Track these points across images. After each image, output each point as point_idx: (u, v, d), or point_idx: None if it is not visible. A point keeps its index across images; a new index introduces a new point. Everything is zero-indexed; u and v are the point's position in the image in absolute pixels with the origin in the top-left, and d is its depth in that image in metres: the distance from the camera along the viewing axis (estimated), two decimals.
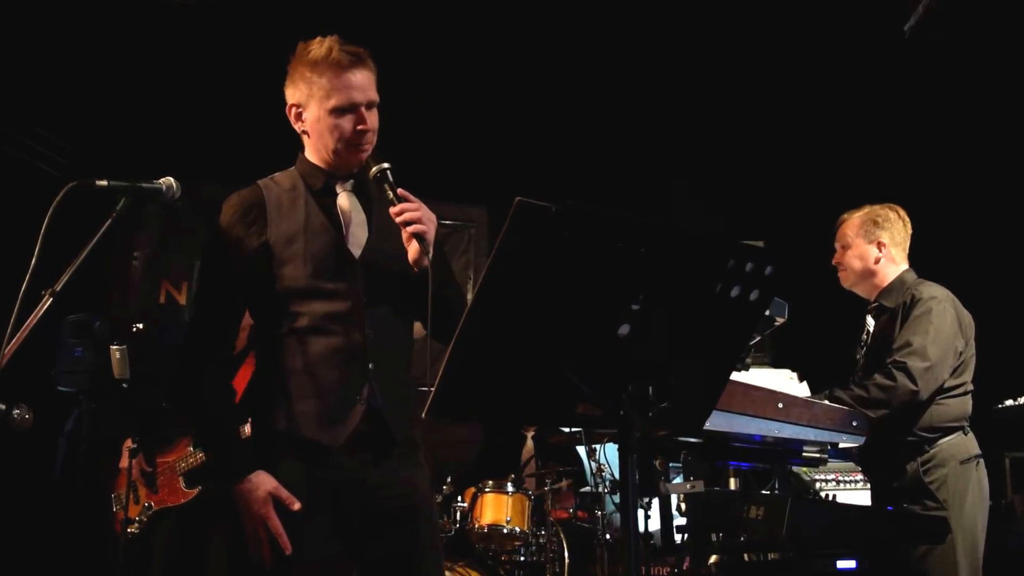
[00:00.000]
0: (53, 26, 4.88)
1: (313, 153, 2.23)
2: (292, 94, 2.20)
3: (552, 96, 5.74)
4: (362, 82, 2.15)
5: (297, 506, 2.10)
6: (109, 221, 2.03)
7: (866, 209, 3.40)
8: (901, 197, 3.50)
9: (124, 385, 3.75)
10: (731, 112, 5.85)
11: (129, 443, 3.99)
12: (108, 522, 4.18)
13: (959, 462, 3.09)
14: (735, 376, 2.53)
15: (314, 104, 2.16)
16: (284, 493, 2.11)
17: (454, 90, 5.61)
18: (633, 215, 1.60)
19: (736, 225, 5.66)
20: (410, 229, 2.08)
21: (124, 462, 4.06)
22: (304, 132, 2.22)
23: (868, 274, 3.35)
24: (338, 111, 2.14)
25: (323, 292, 2.14)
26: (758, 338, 3.24)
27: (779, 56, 5.43)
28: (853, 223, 3.38)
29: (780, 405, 2.59)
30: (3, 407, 2.12)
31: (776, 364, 3.80)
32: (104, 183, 2.02)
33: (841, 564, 2.90)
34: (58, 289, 2.03)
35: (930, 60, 4.81)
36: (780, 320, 2.98)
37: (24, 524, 4.91)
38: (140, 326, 3.83)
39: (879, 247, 3.33)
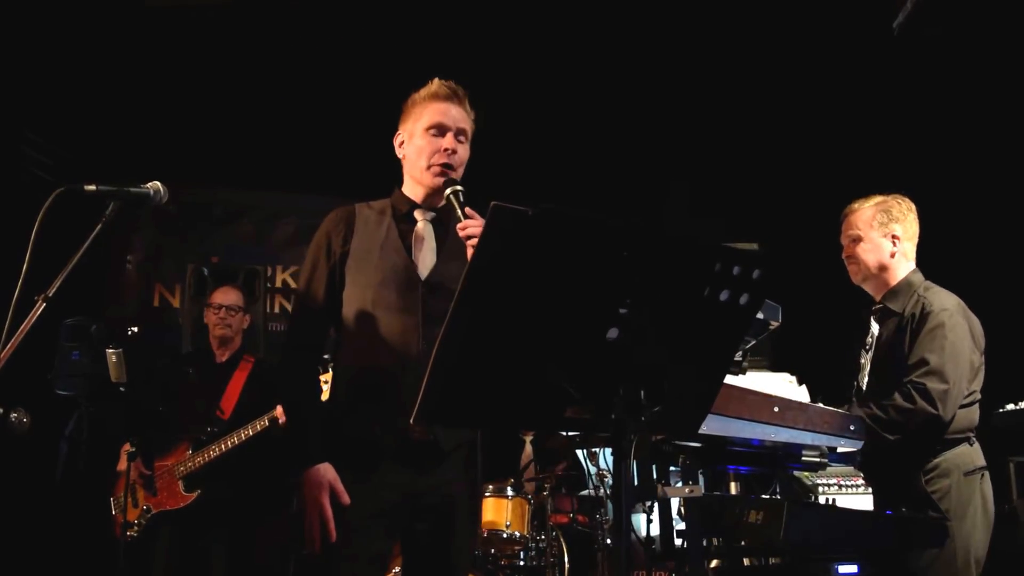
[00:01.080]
0: (42, 32, 4.91)
1: (406, 180, 2.52)
2: (402, 128, 2.52)
3: (549, 98, 5.73)
4: (455, 113, 2.46)
5: (347, 500, 2.30)
6: (100, 225, 2.04)
7: (877, 199, 3.17)
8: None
9: (121, 388, 3.76)
10: (727, 115, 5.83)
11: (127, 446, 4.00)
12: (108, 525, 4.19)
13: (963, 473, 2.97)
14: (731, 380, 2.51)
15: (413, 129, 2.47)
16: (339, 486, 2.32)
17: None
18: (610, 217, 1.58)
19: (733, 227, 5.63)
20: (471, 243, 2.22)
21: (122, 465, 4.06)
22: (403, 157, 2.51)
23: (881, 269, 3.14)
24: (430, 130, 2.43)
25: (388, 304, 2.37)
26: (752, 342, 3.19)
27: (772, 58, 5.41)
28: (864, 214, 3.15)
29: (776, 409, 2.56)
30: (0, 411, 2.14)
31: (775, 368, 3.76)
32: (92, 188, 2.05)
33: (843, 569, 2.88)
34: (51, 294, 2.05)
35: (921, 58, 4.78)
36: (774, 324, 2.93)
37: (25, 526, 4.92)
38: (135, 329, 3.85)
39: (893, 241, 3.12)
